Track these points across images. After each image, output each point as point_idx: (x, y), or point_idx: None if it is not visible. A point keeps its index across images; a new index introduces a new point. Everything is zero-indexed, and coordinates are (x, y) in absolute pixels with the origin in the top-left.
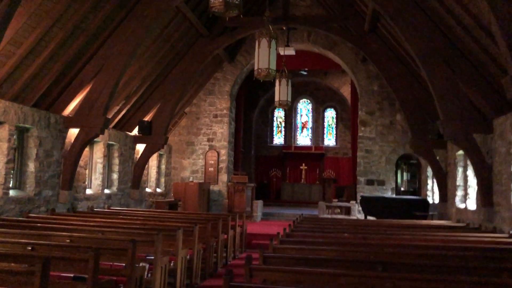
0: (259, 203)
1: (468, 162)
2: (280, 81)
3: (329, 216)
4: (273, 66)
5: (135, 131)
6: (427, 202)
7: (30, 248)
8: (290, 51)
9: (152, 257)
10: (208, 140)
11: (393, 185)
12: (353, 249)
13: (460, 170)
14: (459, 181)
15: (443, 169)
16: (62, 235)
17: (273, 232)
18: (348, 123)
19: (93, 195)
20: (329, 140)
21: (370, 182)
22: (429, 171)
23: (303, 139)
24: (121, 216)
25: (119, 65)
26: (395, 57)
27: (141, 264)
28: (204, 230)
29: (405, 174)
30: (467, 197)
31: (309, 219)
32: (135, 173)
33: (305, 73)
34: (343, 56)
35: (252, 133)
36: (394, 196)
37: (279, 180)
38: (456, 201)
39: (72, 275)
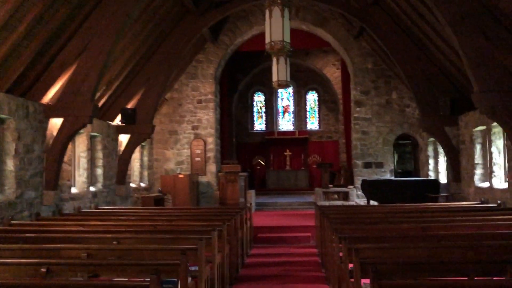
0: (252, 193)
1: (494, 138)
2: (278, 59)
3: (327, 202)
4: (287, 38)
5: (117, 120)
6: (438, 183)
7: (44, 270)
8: None
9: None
10: (193, 128)
11: (392, 167)
12: (443, 245)
13: (478, 147)
14: (478, 159)
15: (456, 147)
16: (72, 248)
17: (277, 224)
18: (331, 105)
19: (78, 194)
20: (312, 124)
21: (367, 165)
22: (430, 151)
23: (286, 124)
24: (117, 217)
25: (107, 42)
26: (401, 30)
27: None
28: (229, 229)
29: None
30: (492, 175)
31: (329, 208)
32: (120, 167)
33: (289, 53)
34: (334, 33)
35: (232, 120)
36: (401, 178)
37: (263, 168)
38: (475, 180)
39: None
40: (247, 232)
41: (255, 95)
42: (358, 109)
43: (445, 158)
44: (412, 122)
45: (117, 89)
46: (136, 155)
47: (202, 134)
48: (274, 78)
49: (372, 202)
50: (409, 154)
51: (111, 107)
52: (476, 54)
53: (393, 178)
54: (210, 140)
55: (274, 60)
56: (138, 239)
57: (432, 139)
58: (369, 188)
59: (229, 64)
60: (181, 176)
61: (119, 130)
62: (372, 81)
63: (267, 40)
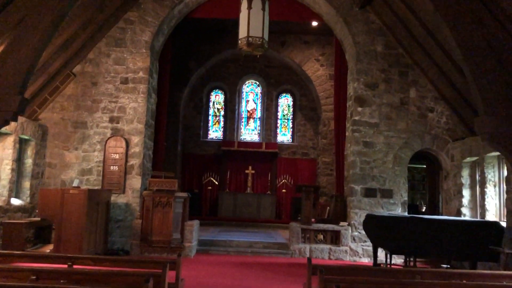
0: (195, 226)
1: None
2: (250, 3)
3: (307, 246)
4: None
5: None
6: (501, 228)
7: None
8: None
9: None
10: (111, 120)
11: (405, 197)
12: None
13: None
14: None
15: None
16: None
17: None
18: (309, 114)
19: None
20: (284, 135)
21: (370, 193)
22: (465, 177)
23: (249, 133)
24: None
25: None
26: None
27: None
28: None
29: None
30: None
31: (340, 272)
32: None
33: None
34: None
35: (179, 122)
36: (435, 216)
37: (216, 188)
38: None
39: None
40: None
41: (212, 93)
42: (360, 109)
43: (504, 189)
44: (437, 133)
45: None
46: (7, 153)
47: (124, 130)
48: (243, 33)
49: (380, 251)
50: (409, 182)
51: None
52: None
53: (424, 216)
54: (136, 139)
55: (245, 3)
56: None
57: (470, 159)
58: (378, 228)
59: (178, 45)
60: (73, 191)
61: None
62: (382, 71)
63: None
